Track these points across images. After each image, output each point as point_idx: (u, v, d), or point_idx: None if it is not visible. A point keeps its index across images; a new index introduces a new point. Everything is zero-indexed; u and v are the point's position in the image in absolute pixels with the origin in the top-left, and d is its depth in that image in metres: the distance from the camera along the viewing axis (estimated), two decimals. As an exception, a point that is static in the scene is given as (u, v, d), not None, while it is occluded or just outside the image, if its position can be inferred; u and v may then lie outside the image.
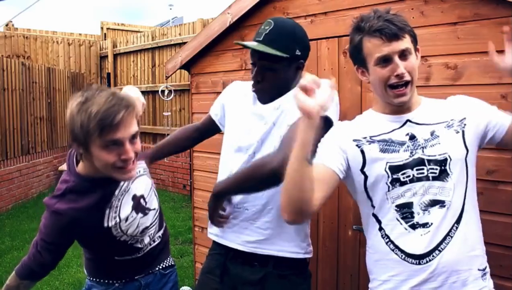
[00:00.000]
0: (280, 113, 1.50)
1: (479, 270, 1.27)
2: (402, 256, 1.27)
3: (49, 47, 8.44)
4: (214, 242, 1.67)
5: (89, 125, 1.19)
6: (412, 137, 1.31)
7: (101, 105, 1.19)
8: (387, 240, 1.30)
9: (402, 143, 1.31)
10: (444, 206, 1.26)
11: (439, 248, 1.24)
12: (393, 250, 1.29)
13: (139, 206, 1.50)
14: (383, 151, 1.31)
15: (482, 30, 1.66)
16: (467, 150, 1.29)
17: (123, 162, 1.27)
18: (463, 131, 1.30)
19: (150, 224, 1.55)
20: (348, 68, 2.04)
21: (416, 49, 1.32)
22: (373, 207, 1.33)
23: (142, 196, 1.52)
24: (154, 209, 1.57)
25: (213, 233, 1.66)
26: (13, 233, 5.01)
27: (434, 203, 1.26)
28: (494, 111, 1.35)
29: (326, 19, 2.12)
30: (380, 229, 1.32)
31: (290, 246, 1.52)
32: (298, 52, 1.47)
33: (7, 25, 8.65)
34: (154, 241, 1.59)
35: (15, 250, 4.43)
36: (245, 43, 1.51)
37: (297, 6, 2.22)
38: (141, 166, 1.55)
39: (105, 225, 1.38)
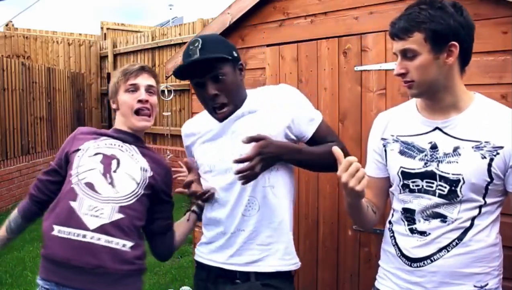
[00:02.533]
0: (248, 120, 1.48)
1: (475, 286, 1.24)
2: (398, 253, 1.33)
3: (49, 47, 8.44)
4: (197, 266, 1.62)
5: (118, 76, 1.65)
6: (434, 147, 1.25)
7: (128, 65, 1.69)
8: (392, 233, 1.37)
9: (421, 151, 1.28)
10: (445, 221, 1.24)
11: (432, 258, 1.25)
12: (393, 245, 1.35)
13: (107, 159, 1.54)
14: (401, 153, 1.32)
15: (482, 30, 1.65)
16: (492, 179, 1.20)
17: (139, 103, 1.61)
18: (491, 159, 1.19)
19: (102, 197, 1.46)
20: (348, 68, 2.04)
21: (439, 46, 1.18)
22: (392, 201, 1.40)
23: (118, 159, 1.55)
24: (119, 192, 1.49)
25: (202, 256, 1.59)
26: (13, 233, 4.99)
27: (436, 215, 1.26)
28: None
29: (326, 19, 2.12)
30: (390, 222, 1.39)
31: (279, 260, 1.49)
32: (235, 54, 1.49)
33: (7, 25, 8.65)
34: (102, 232, 1.42)
35: (15, 250, 4.43)
36: (185, 62, 1.44)
37: (297, 6, 2.22)
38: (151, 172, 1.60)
39: (79, 147, 1.60)
